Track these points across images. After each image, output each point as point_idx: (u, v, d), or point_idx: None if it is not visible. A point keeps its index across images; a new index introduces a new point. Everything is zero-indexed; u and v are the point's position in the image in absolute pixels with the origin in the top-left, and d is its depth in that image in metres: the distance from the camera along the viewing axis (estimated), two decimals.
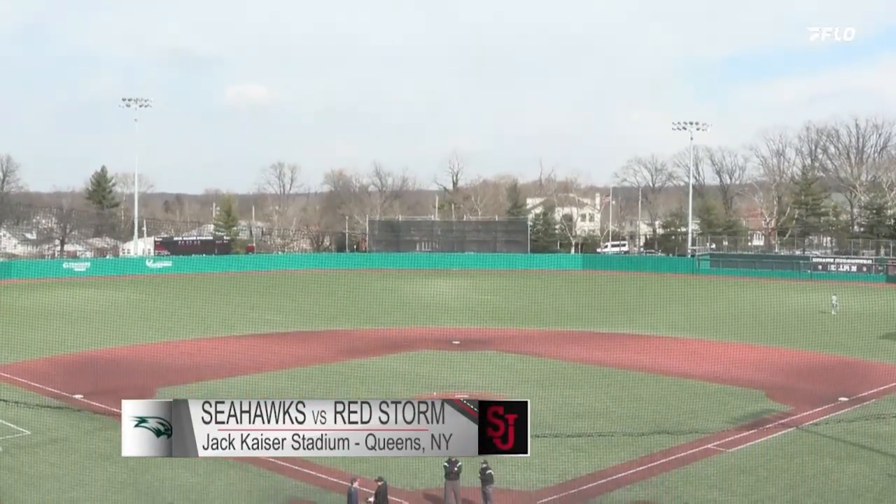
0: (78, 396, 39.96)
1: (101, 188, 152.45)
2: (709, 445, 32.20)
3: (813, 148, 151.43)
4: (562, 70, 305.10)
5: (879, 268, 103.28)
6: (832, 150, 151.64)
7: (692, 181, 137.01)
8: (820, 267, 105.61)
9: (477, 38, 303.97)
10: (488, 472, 24.82)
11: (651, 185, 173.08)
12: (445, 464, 25.25)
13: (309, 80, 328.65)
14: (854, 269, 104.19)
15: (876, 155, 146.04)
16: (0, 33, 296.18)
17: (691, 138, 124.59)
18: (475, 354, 52.09)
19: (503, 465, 27.44)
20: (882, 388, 42.84)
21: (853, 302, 74.34)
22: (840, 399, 39.87)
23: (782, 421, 35.85)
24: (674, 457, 30.76)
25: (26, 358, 49.69)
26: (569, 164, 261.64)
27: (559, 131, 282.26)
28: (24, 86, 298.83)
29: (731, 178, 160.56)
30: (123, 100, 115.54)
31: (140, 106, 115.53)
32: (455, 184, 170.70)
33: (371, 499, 23.47)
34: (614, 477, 28.58)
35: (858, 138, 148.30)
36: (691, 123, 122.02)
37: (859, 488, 27.48)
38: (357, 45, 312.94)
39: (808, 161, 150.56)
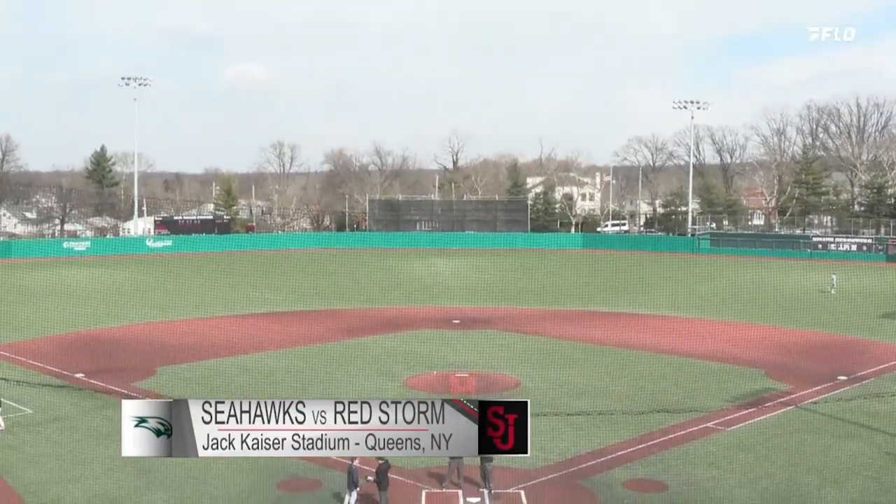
0: (79, 375, 40.08)
1: (100, 167, 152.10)
2: (708, 424, 32.34)
3: (814, 127, 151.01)
4: (562, 49, 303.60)
5: (879, 247, 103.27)
6: (833, 129, 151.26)
7: (692, 160, 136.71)
8: (820, 246, 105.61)
9: (477, 17, 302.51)
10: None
11: (651, 164, 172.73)
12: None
13: (308, 59, 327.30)
14: (854, 248, 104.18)
15: (877, 134, 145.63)
16: None
17: (692, 117, 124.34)
18: (475, 333, 52.21)
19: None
20: (881, 366, 42.97)
21: (853, 281, 74.42)
22: (839, 377, 40.00)
23: (781, 399, 35.99)
24: (673, 435, 30.91)
25: (27, 337, 49.79)
26: (569, 144, 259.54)
27: (559, 110, 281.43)
28: (24, 64, 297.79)
29: (731, 158, 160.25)
30: (122, 79, 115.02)
31: (139, 85, 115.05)
32: (455, 163, 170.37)
33: (371, 477, 23.59)
34: (614, 455, 28.71)
35: (860, 117, 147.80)
36: (692, 102, 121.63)
37: (858, 466, 27.62)
38: (357, 24, 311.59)
39: (809, 140, 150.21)
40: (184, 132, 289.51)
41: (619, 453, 28.93)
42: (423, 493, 24.49)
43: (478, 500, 24.44)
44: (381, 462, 23.55)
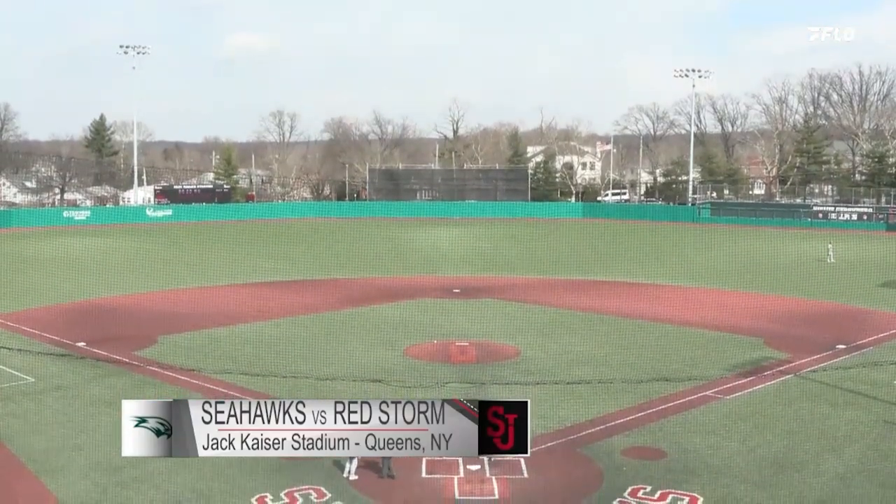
0: (81, 344, 40.23)
1: (99, 136, 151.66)
2: (707, 392, 32.49)
3: (816, 95, 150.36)
4: (563, 17, 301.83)
5: (880, 216, 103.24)
6: (835, 97, 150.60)
7: (693, 129, 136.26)
8: (821, 215, 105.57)
9: None
10: None
11: (652, 133, 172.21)
12: None
13: (308, 27, 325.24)
14: (855, 217, 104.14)
15: (879, 102, 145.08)
16: None
17: (693, 86, 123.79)
18: (475, 303, 52.32)
19: None
20: (880, 335, 43.08)
21: (853, 250, 74.43)
22: (838, 346, 40.12)
23: (780, 368, 36.13)
24: (672, 403, 31.06)
25: (28, 306, 49.91)
26: (570, 112, 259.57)
27: (560, 79, 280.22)
28: (21, 32, 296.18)
29: (732, 126, 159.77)
30: (121, 47, 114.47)
31: (138, 53, 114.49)
32: (455, 132, 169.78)
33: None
34: (613, 423, 28.87)
35: (862, 86, 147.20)
36: (693, 71, 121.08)
37: (856, 434, 27.78)
38: None
39: (811, 109, 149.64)
40: (183, 101, 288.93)
41: (619, 421, 29.09)
42: (424, 460, 24.66)
43: (478, 467, 24.62)
44: None
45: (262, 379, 33.68)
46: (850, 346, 40.23)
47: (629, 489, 23.16)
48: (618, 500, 22.53)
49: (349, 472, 24.07)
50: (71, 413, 29.91)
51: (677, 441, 27.06)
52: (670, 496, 22.70)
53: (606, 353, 39.04)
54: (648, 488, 23.19)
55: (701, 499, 22.55)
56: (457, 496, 22.83)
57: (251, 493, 22.57)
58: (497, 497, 22.79)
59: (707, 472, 24.40)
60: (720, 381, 34.10)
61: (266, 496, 22.48)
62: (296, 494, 22.58)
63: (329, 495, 22.56)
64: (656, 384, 33.17)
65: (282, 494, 22.54)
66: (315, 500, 22.31)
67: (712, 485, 23.50)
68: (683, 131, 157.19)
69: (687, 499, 22.57)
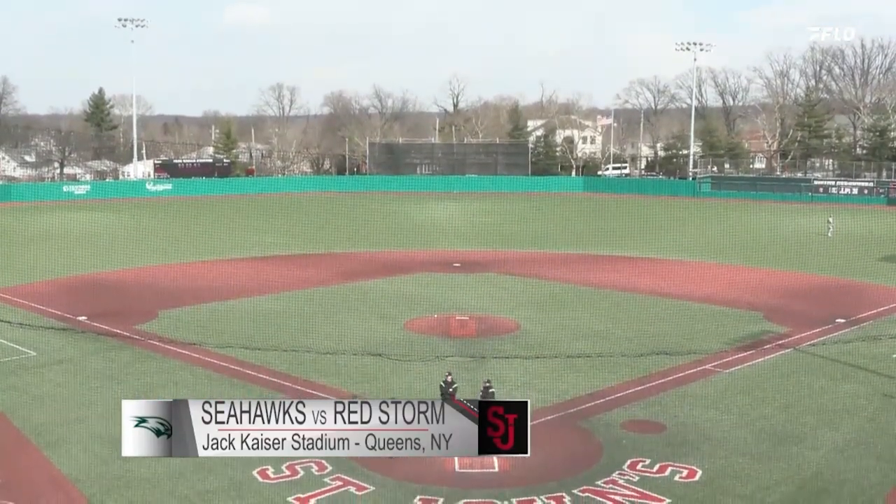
0: (82, 318, 40.31)
1: (98, 110, 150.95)
2: (706, 366, 32.60)
3: (817, 69, 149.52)
4: None
5: (881, 190, 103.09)
6: (837, 71, 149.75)
7: (695, 103, 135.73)
8: (821, 189, 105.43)
9: None
10: (490, 390, 25.19)
11: (653, 107, 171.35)
12: (442, 384, 25.63)
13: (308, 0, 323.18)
14: (855, 191, 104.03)
15: (881, 76, 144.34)
16: None
17: (695, 59, 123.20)
18: (475, 277, 52.37)
19: (504, 386, 27.86)
20: (879, 309, 43.16)
21: (853, 224, 74.41)
22: (837, 320, 40.20)
23: (779, 342, 36.24)
24: (671, 377, 31.19)
25: (29, 280, 49.96)
26: (570, 86, 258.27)
27: (561, 53, 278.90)
28: (20, 4, 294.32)
29: (734, 100, 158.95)
30: (119, 20, 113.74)
31: (136, 26, 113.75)
32: (456, 106, 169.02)
33: None
34: (613, 397, 29.01)
35: (864, 59, 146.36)
36: (695, 44, 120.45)
37: (854, 407, 27.92)
38: None
39: (813, 82, 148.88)
40: (182, 75, 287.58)
41: (619, 395, 29.23)
42: None
43: None
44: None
45: (263, 353, 33.79)
46: (849, 320, 40.31)
47: (628, 462, 23.30)
48: (617, 472, 22.67)
49: None
50: (72, 386, 30.05)
51: (676, 414, 27.20)
52: (669, 469, 22.84)
53: (606, 327, 39.13)
54: (648, 461, 23.33)
55: (700, 471, 22.69)
56: (457, 469, 22.96)
57: (252, 466, 22.70)
58: (497, 470, 22.92)
59: (706, 445, 24.54)
60: (719, 354, 34.21)
61: (267, 469, 22.61)
62: (297, 467, 22.70)
63: (330, 468, 22.69)
64: (656, 358, 33.31)
65: (283, 467, 22.67)
66: (316, 473, 22.44)
67: (711, 457, 23.64)
68: (684, 105, 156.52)
69: (686, 471, 22.71)
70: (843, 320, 40.28)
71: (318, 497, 21.09)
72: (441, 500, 20.92)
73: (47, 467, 23.03)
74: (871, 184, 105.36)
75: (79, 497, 21.18)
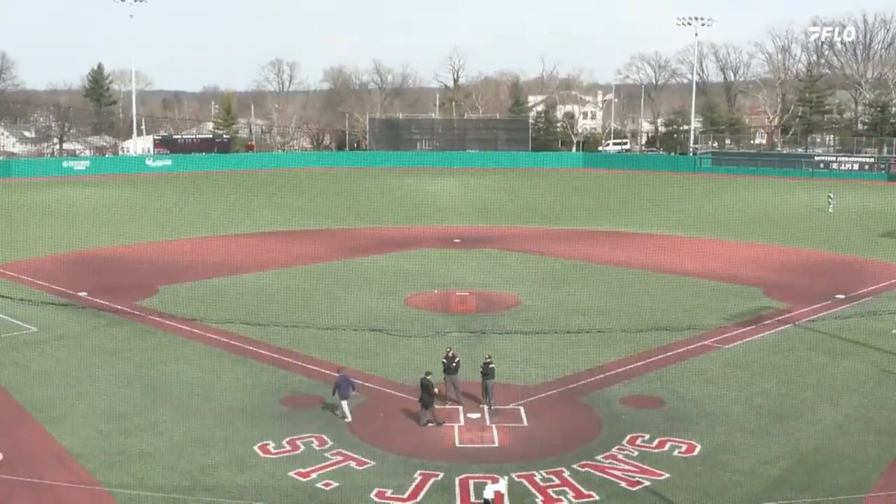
0: (82, 294, 40.35)
1: (98, 86, 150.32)
2: (705, 342, 32.66)
3: (819, 44, 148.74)
4: None
5: (881, 166, 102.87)
6: (838, 46, 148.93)
7: (696, 78, 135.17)
8: (822, 165, 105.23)
9: None
10: (491, 366, 25.28)
11: (654, 82, 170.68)
12: (444, 360, 25.71)
13: None
14: (856, 167, 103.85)
15: (883, 51, 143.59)
16: None
17: (696, 34, 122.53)
18: (476, 252, 52.37)
19: (504, 361, 27.92)
20: (878, 285, 43.18)
21: (853, 200, 74.27)
22: (836, 296, 40.23)
23: (779, 318, 36.28)
24: (671, 353, 31.24)
25: (30, 256, 49.95)
26: (571, 62, 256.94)
27: (562, 28, 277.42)
28: None
29: (735, 76, 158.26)
30: None
31: (136, 0, 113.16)
32: (456, 81, 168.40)
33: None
34: (612, 372, 29.08)
35: (866, 34, 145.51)
36: (696, 19, 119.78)
37: (853, 383, 27.99)
38: None
39: (814, 58, 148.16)
40: (182, 50, 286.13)
41: (618, 370, 29.30)
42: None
43: (478, 415, 24.85)
44: (425, 377, 24.16)
45: (263, 328, 33.85)
46: (849, 296, 40.34)
47: (628, 437, 23.40)
48: (616, 447, 22.76)
49: (344, 414, 24.37)
50: (73, 362, 30.11)
51: (676, 390, 27.28)
52: (668, 444, 22.93)
53: (606, 303, 39.16)
54: (647, 436, 23.42)
55: (699, 446, 22.78)
56: (457, 444, 23.07)
57: (253, 441, 22.81)
58: (497, 445, 23.03)
59: (705, 421, 24.63)
60: (719, 330, 34.26)
61: (268, 444, 22.72)
62: (298, 442, 22.81)
63: (331, 443, 22.79)
64: (655, 333, 33.38)
65: (284, 442, 22.78)
66: (316, 448, 22.53)
67: (710, 433, 23.72)
68: (685, 80, 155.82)
69: (685, 446, 22.80)
70: (842, 296, 40.31)
71: (319, 472, 21.17)
72: (441, 474, 21.02)
73: (49, 442, 23.12)
74: (872, 159, 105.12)
75: (80, 471, 21.27)
